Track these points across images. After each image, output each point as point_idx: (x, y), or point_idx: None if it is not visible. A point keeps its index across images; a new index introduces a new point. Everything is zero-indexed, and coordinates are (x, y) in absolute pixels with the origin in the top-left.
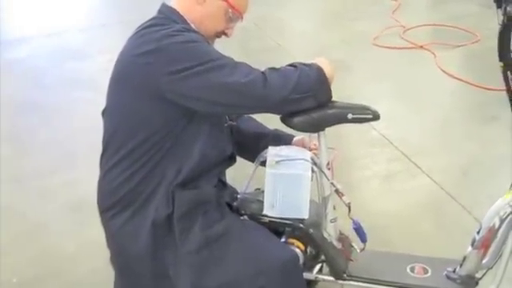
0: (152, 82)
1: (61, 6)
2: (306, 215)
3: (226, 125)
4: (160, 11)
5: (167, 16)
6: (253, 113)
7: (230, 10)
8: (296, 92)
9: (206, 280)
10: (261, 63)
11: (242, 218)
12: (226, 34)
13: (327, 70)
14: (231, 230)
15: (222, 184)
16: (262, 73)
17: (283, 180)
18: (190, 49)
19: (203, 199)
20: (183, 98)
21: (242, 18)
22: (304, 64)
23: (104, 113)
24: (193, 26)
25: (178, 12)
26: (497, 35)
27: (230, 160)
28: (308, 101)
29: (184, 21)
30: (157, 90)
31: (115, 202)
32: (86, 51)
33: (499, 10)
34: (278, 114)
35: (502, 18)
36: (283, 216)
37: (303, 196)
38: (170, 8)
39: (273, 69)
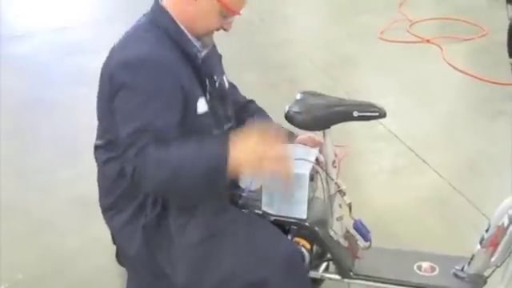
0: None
1: (65, 1)
2: (304, 215)
3: (216, 132)
4: (152, 10)
5: (155, 18)
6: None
7: (223, 9)
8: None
9: (207, 272)
10: (267, 58)
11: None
12: (224, 29)
13: (243, 161)
14: (236, 222)
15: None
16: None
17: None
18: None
19: None
20: None
21: (238, 14)
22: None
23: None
24: (183, 27)
25: (168, 13)
26: (505, 29)
27: None
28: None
29: (173, 22)
30: None
31: (113, 202)
32: (91, 46)
33: (509, 5)
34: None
35: (511, 13)
36: (282, 214)
37: (301, 195)
38: (161, 8)
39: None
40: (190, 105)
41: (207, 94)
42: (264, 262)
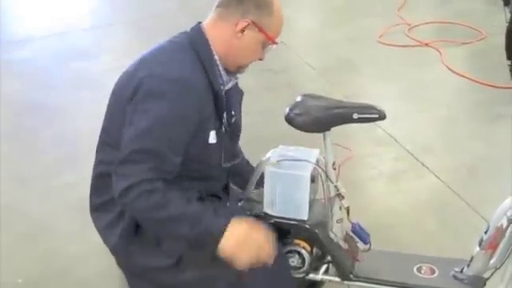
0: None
1: (65, 6)
2: (305, 216)
3: (225, 165)
4: (192, 31)
5: (193, 40)
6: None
7: (267, 41)
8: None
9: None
10: (265, 61)
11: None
12: (260, 59)
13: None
14: None
15: (217, 197)
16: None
17: (281, 179)
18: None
19: None
20: None
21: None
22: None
23: None
24: (217, 57)
25: (207, 40)
26: (503, 32)
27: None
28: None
29: (210, 51)
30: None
31: (100, 204)
32: (91, 51)
33: (507, 7)
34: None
35: (509, 15)
36: (282, 215)
37: (302, 197)
38: (202, 33)
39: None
40: (202, 133)
41: (222, 127)
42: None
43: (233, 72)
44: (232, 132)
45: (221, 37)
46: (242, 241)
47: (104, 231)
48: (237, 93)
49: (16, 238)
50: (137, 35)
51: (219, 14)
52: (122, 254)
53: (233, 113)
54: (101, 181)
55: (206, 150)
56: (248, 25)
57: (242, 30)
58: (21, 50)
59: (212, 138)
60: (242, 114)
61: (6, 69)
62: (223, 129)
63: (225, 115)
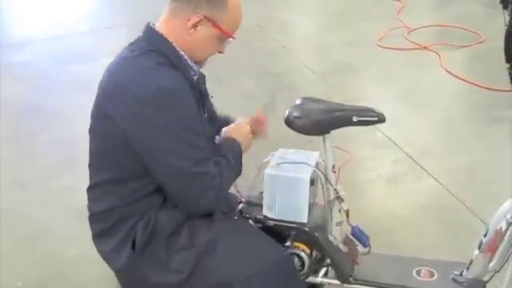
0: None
1: (64, 9)
2: (305, 219)
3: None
4: (146, 36)
5: (153, 43)
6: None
7: (221, 35)
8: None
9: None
10: (264, 65)
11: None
12: (220, 52)
13: (243, 143)
14: (219, 235)
15: None
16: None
17: (281, 182)
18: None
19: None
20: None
21: (233, 37)
22: (229, 149)
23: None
24: (182, 53)
25: (166, 39)
26: (502, 35)
27: None
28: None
29: (173, 48)
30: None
31: (103, 230)
32: (90, 54)
33: (505, 10)
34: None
35: (508, 18)
36: (282, 218)
37: (302, 199)
38: (157, 33)
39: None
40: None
41: (205, 115)
42: (253, 273)
43: (202, 63)
44: (210, 117)
45: (175, 32)
46: (246, 137)
47: (110, 255)
48: (202, 77)
49: (15, 241)
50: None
51: (172, 10)
52: (130, 274)
53: (209, 97)
54: (98, 203)
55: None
56: (200, 20)
57: (195, 26)
58: (20, 52)
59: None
60: (242, 116)
61: (5, 72)
62: (205, 115)
63: (206, 102)
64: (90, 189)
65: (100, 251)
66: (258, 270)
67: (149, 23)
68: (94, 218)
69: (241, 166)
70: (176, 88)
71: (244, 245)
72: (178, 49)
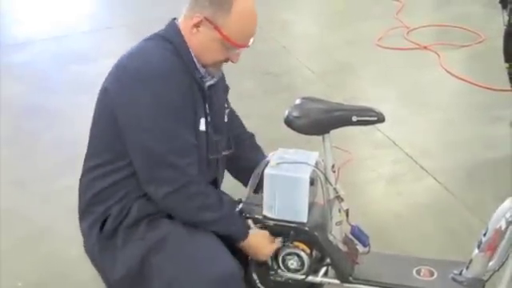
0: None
1: (64, 10)
2: (304, 219)
3: (212, 157)
4: (165, 29)
5: (168, 34)
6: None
7: (225, 42)
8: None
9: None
10: (265, 65)
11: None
12: (232, 61)
13: (251, 250)
14: (172, 235)
15: None
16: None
17: (280, 182)
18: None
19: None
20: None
21: (246, 46)
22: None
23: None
24: (193, 54)
25: (182, 34)
26: (501, 35)
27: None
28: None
29: (185, 46)
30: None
31: (84, 208)
32: (90, 55)
33: (505, 10)
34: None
35: (507, 18)
36: (282, 218)
37: (301, 199)
38: (175, 27)
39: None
40: (194, 116)
41: (208, 117)
42: (196, 282)
43: (210, 69)
44: (215, 125)
45: (184, 30)
46: (254, 248)
47: (85, 233)
48: (222, 88)
49: (15, 241)
50: (136, 39)
51: (186, 8)
52: (92, 259)
53: (217, 106)
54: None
55: (197, 138)
56: (201, 21)
57: (197, 26)
58: (20, 53)
59: (202, 125)
60: (242, 117)
61: (6, 72)
62: (208, 119)
63: (207, 106)
64: (82, 176)
65: (81, 230)
66: (198, 279)
67: (174, 18)
68: (82, 199)
69: (225, 227)
70: (165, 68)
71: (192, 251)
72: (190, 49)
